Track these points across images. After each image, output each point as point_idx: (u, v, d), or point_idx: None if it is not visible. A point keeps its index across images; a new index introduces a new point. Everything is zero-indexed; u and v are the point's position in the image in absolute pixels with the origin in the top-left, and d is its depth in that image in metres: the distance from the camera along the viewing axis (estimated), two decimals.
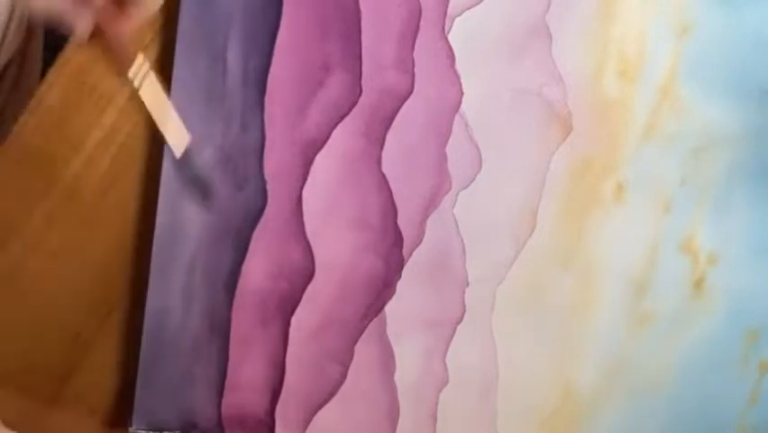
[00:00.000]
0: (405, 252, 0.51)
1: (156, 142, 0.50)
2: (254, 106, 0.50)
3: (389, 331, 0.50)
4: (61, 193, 0.49)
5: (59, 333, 0.49)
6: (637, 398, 0.52)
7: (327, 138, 0.50)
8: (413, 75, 0.51)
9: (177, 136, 0.44)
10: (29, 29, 0.63)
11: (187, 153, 0.45)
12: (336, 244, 0.50)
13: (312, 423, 0.50)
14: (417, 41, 0.51)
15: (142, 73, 0.43)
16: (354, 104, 0.51)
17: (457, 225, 0.51)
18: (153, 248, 0.49)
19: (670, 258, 0.52)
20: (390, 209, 0.51)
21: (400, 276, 0.50)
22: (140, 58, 0.42)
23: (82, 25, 0.40)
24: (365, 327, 0.50)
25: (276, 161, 0.50)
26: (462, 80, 0.51)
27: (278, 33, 0.50)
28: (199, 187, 0.46)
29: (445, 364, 0.51)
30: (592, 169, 0.52)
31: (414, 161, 0.51)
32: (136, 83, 0.43)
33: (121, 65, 0.42)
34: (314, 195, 0.50)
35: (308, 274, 0.50)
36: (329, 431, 0.50)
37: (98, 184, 0.50)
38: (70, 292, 0.49)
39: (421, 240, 0.51)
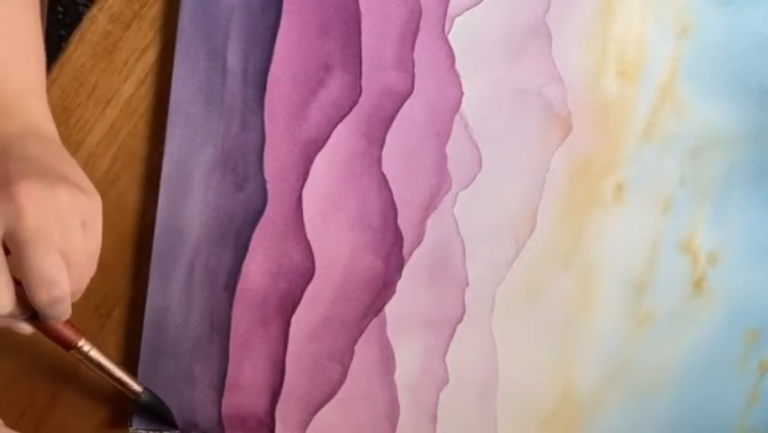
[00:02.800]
0: (405, 252, 0.51)
1: (156, 142, 0.50)
2: (254, 106, 0.50)
3: (389, 331, 0.50)
4: None
5: None
6: (637, 398, 0.52)
7: (327, 138, 0.50)
8: (413, 75, 0.51)
9: (132, 382, 0.47)
10: None
11: (146, 391, 0.48)
12: (336, 244, 0.50)
13: (312, 423, 0.50)
14: (417, 42, 0.51)
15: (87, 348, 0.45)
16: (354, 104, 0.51)
17: (457, 225, 0.51)
18: (153, 248, 0.49)
19: (670, 258, 0.52)
20: (390, 209, 0.51)
21: (400, 276, 0.50)
22: (82, 342, 0.45)
23: (22, 329, 0.42)
24: (365, 327, 0.50)
25: (276, 161, 0.50)
26: (462, 80, 0.51)
27: (278, 33, 0.50)
28: (160, 416, 0.48)
29: (445, 364, 0.51)
30: (592, 169, 0.52)
31: (414, 161, 0.51)
32: (82, 353, 0.45)
33: (64, 345, 0.44)
34: (314, 195, 0.50)
35: (308, 274, 0.50)
36: (329, 431, 0.50)
37: (98, 184, 0.49)
38: None
39: (421, 240, 0.51)
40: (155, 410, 0.48)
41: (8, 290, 0.39)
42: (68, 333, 0.44)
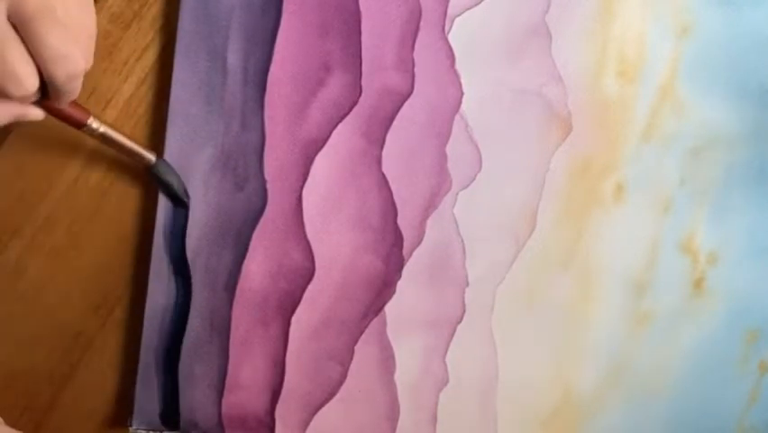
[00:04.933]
0: (405, 252, 0.51)
1: (156, 142, 0.50)
2: (254, 106, 0.50)
3: (389, 331, 0.50)
4: (61, 193, 0.49)
5: (59, 333, 0.49)
6: (637, 398, 0.52)
7: (327, 138, 0.50)
8: (413, 75, 0.51)
9: (144, 152, 0.48)
10: None
11: (159, 161, 0.48)
12: (336, 244, 0.50)
13: (312, 423, 0.50)
14: (417, 42, 0.51)
15: (96, 125, 0.46)
16: (354, 104, 0.51)
17: (457, 225, 0.51)
18: (153, 248, 0.49)
19: (670, 258, 0.52)
20: (390, 209, 0.51)
21: (400, 276, 0.51)
22: (91, 119, 0.46)
23: (35, 115, 0.43)
24: (365, 327, 0.50)
25: (276, 161, 0.50)
26: (462, 80, 0.51)
27: (278, 33, 0.50)
28: (173, 191, 0.49)
29: (445, 364, 0.51)
30: (592, 169, 0.52)
31: (414, 161, 0.51)
32: (92, 131, 0.46)
33: (75, 124, 0.45)
34: (314, 195, 0.50)
35: (308, 274, 0.50)
36: (329, 431, 0.50)
37: (98, 184, 0.50)
38: (70, 292, 0.49)
39: (421, 240, 0.51)
40: (168, 182, 0.48)
41: (31, 67, 0.39)
42: (77, 112, 0.45)
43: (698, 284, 0.52)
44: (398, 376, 0.50)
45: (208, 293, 0.49)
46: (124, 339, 0.50)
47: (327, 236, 0.50)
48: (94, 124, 0.46)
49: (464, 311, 0.51)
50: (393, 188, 0.51)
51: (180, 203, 0.49)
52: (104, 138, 0.46)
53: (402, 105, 0.51)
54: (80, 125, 0.45)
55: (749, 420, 0.52)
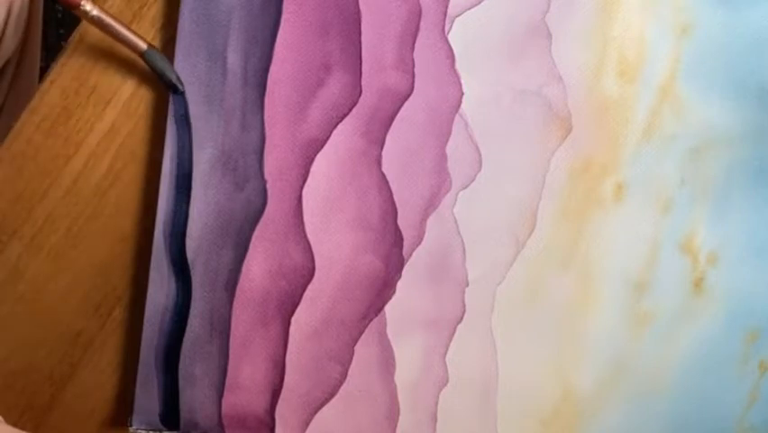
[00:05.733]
0: (405, 252, 0.51)
1: (156, 142, 0.50)
2: (254, 106, 0.50)
3: (389, 331, 0.50)
4: (61, 193, 0.49)
5: (59, 333, 0.49)
6: (637, 398, 0.52)
7: (327, 138, 0.50)
8: (413, 75, 0.51)
9: (137, 39, 0.48)
10: (27, 28, 0.63)
11: (151, 49, 0.48)
12: (336, 243, 0.50)
13: (312, 423, 0.50)
14: (417, 42, 0.51)
15: (89, 7, 0.46)
16: (354, 104, 0.51)
17: (457, 225, 0.51)
18: (153, 248, 0.49)
19: (669, 258, 0.52)
20: (390, 209, 0.51)
21: (400, 276, 0.51)
22: (85, 1, 0.46)
23: None
24: (365, 327, 0.50)
25: (276, 161, 0.50)
26: (462, 80, 0.51)
27: (278, 33, 0.50)
28: (166, 78, 0.49)
29: (445, 364, 0.51)
30: (592, 169, 0.52)
31: (414, 161, 0.51)
32: (86, 13, 0.46)
33: (69, 4, 0.46)
34: (314, 195, 0.50)
35: (308, 274, 0.50)
36: (329, 431, 0.50)
37: (98, 184, 0.50)
38: (70, 292, 0.49)
39: (421, 240, 0.51)
40: (160, 70, 0.48)
41: None
42: None
43: (698, 284, 0.52)
44: (398, 376, 0.50)
45: (208, 293, 0.49)
46: (124, 339, 0.50)
47: (327, 236, 0.50)
48: (87, 6, 0.46)
49: (464, 311, 0.51)
50: (393, 188, 0.51)
51: (175, 89, 0.49)
52: (97, 22, 0.46)
53: (402, 105, 0.51)
54: (74, 6, 0.45)
55: (749, 420, 0.52)
